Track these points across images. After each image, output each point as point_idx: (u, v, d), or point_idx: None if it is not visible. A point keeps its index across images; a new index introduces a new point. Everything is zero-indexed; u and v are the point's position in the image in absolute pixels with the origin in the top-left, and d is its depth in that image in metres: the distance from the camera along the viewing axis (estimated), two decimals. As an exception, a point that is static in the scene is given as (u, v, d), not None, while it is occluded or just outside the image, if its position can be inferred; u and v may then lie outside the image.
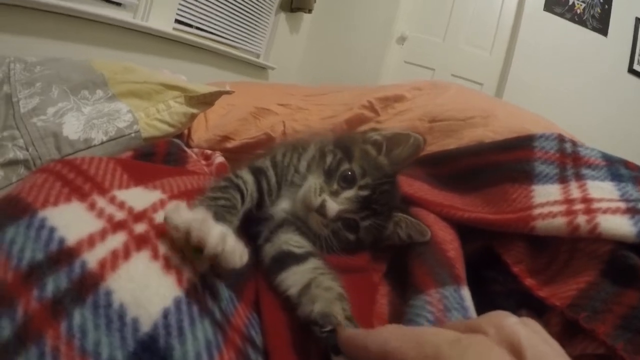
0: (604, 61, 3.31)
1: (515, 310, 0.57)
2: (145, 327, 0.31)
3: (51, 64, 0.95)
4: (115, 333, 0.31)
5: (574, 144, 0.69)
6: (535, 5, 3.27)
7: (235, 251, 0.38)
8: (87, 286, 0.32)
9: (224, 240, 0.37)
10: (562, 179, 0.63)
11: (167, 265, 0.36)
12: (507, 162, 0.70)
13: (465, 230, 0.65)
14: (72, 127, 0.78)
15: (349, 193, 0.58)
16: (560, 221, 0.55)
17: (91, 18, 1.74)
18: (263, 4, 3.03)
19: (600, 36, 3.34)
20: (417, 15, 3.43)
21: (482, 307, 0.50)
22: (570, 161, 0.66)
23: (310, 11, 3.30)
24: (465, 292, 0.54)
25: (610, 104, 3.19)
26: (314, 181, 0.58)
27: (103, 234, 0.36)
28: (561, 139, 0.70)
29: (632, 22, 3.38)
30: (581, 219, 0.53)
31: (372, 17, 3.38)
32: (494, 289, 0.62)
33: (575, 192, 0.60)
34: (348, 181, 0.59)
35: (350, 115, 1.08)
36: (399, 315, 0.52)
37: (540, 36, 3.25)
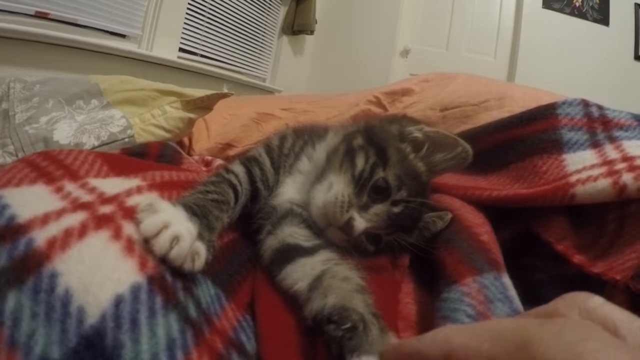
0: (609, 51, 3.25)
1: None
2: (92, 318, 0.26)
3: (50, 82, 0.94)
4: (56, 324, 0.25)
5: (600, 107, 0.63)
6: (533, 4, 3.25)
7: (181, 255, 0.32)
8: (29, 267, 0.27)
9: (170, 242, 0.32)
10: (595, 144, 0.57)
11: (130, 247, 0.31)
12: (531, 134, 0.64)
13: (494, 216, 0.58)
14: (63, 133, 0.76)
15: (380, 208, 0.50)
16: (604, 183, 0.48)
17: (96, 50, 1.78)
18: (265, 28, 3.10)
19: (602, 26, 3.29)
20: (418, 28, 3.47)
21: (524, 298, 0.44)
22: (599, 125, 0.60)
23: (312, 32, 3.36)
24: (507, 280, 0.45)
25: (620, 92, 3.07)
26: (341, 191, 0.49)
27: (60, 213, 0.31)
28: (585, 103, 0.64)
29: (632, 9, 3.32)
30: (627, 177, 0.47)
31: (373, 33, 3.43)
32: (535, 277, 0.55)
33: (612, 153, 0.54)
34: (380, 193, 0.50)
35: (357, 112, 1.03)
36: (429, 314, 0.45)
37: (543, 34, 3.22)
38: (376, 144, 0.54)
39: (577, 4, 3.28)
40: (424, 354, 0.24)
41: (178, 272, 0.32)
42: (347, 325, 0.32)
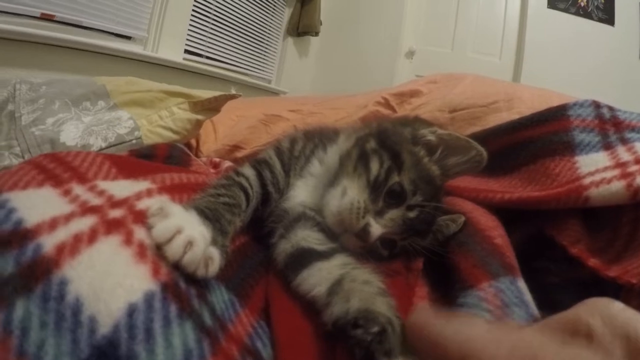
0: (614, 51, 3.23)
1: (575, 302, 0.50)
2: (104, 328, 0.25)
3: (56, 83, 0.94)
4: (66, 334, 0.24)
5: (611, 108, 0.63)
6: (538, 4, 3.23)
7: (195, 260, 0.31)
8: (38, 273, 0.26)
9: (184, 248, 0.31)
10: (607, 146, 0.57)
11: (142, 252, 0.30)
12: (542, 135, 0.63)
13: (506, 219, 0.57)
14: (70, 134, 0.75)
15: (395, 213, 0.50)
16: (618, 185, 0.48)
17: (102, 51, 1.78)
18: (270, 30, 3.10)
19: (608, 26, 3.26)
20: (423, 29, 3.46)
21: (537, 302, 0.43)
22: (611, 126, 0.60)
23: (317, 34, 3.36)
24: (522, 284, 0.45)
25: (625, 91, 3.04)
26: (356, 197, 0.49)
27: (69, 217, 0.30)
28: (597, 104, 0.63)
29: (637, 9, 3.29)
30: None
31: (378, 34, 3.42)
32: (548, 280, 0.54)
33: (625, 155, 0.53)
34: (396, 197, 0.50)
35: (365, 113, 1.02)
36: None
37: (548, 34, 3.20)
38: (389, 147, 0.53)
39: (582, 4, 3.26)
40: (444, 346, 0.24)
41: (191, 278, 0.32)
42: (376, 329, 0.32)
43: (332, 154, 0.56)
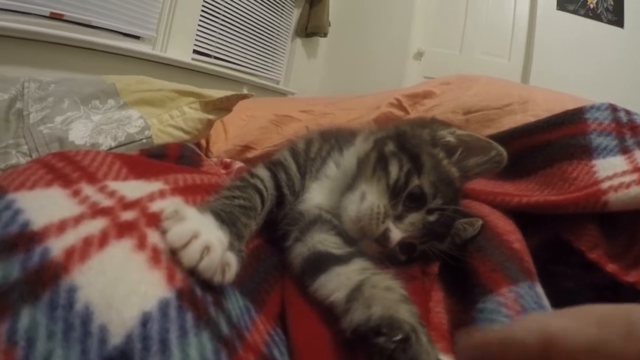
0: (623, 53, 3.19)
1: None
2: (116, 338, 0.23)
3: (65, 82, 0.94)
4: (75, 345, 0.23)
5: (628, 112, 0.62)
6: (547, 6, 3.20)
7: (212, 267, 0.30)
8: (45, 279, 0.25)
9: (201, 253, 0.30)
10: (624, 150, 0.56)
11: (156, 257, 0.28)
12: (559, 139, 0.62)
13: (522, 223, 0.56)
14: (79, 133, 0.75)
15: (415, 217, 0.49)
16: (637, 190, 0.48)
17: (111, 51, 1.78)
18: (278, 31, 3.10)
19: (617, 28, 3.22)
20: (432, 30, 3.44)
21: (552, 307, 0.43)
22: (628, 130, 0.59)
23: (325, 35, 3.35)
24: (540, 290, 0.44)
25: (633, 93, 2.98)
26: (376, 202, 0.48)
27: (78, 220, 0.29)
28: (614, 108, 0.63)
29: (647, 11, 3.24)
30: None
31: (387, 35, 3.41)
32: (564, 285, 0.53)
33: None
34: (416, 201, 0.49)
35: (378, 114, 1.01)
36: (462, 323, 0.44)
37: (557, 36, 3.17)
38: (408, 150, 0.52)
39: (592, 6, 3.23)
40: (517, 340, 0.22)
41: (207, 285, 0.30)
42: (399, 337, 0.31)
43: (349, 156, 0.55)
